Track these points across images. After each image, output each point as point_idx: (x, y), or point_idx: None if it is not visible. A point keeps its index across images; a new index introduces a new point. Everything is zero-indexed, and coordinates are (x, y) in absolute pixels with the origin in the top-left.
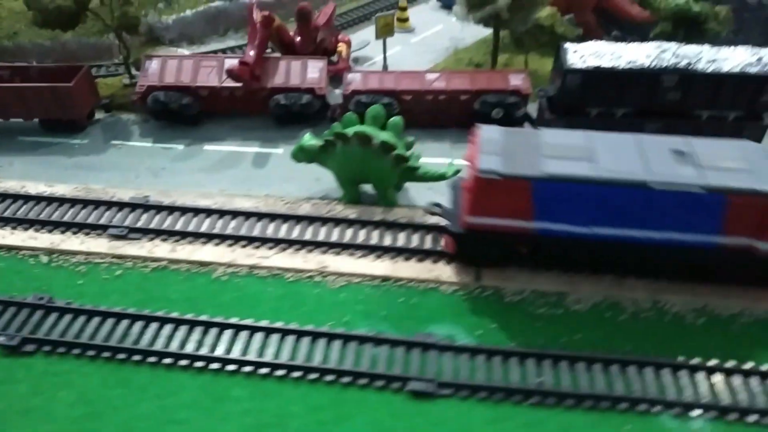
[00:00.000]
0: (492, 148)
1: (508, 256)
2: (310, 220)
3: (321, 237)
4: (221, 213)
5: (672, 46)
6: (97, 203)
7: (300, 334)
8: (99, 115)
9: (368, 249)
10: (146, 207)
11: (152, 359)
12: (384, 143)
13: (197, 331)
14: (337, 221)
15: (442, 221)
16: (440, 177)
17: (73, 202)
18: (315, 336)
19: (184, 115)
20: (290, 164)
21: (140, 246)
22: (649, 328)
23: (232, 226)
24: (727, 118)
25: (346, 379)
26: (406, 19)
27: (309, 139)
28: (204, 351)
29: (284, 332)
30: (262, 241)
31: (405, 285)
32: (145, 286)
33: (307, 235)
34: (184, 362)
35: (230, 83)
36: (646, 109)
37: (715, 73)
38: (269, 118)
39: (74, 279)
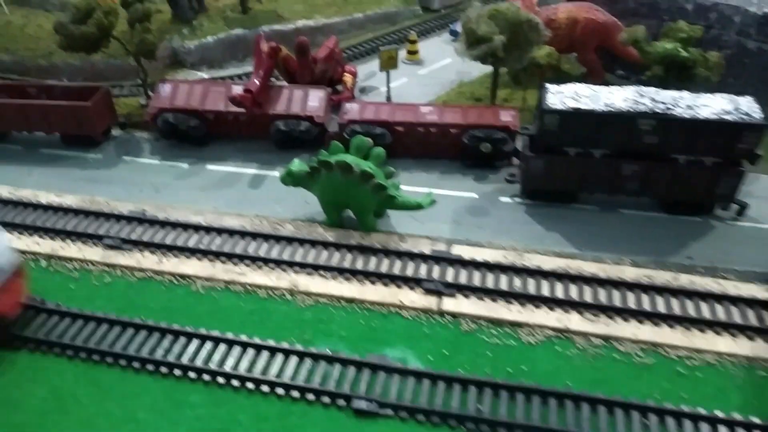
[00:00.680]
0: None
1: None
2: (290, 240)
3: (297, 257)
4: (208, 230)
5: (651, 91)
6: (98, 214)
7: (260, 348)
8: (115, 132)
9: (338, 271)
10: (141, 220)
11: (122, 362)
12: (364, 172)
13: (168, 339)
14: (314, 243)
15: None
16: (417, 206)
17: (77, 212)
18: (273, 350)
19: (191, 136)
20: (284, 187)
21: (131, 256)
22: (597, 364)
23: (216, 243)
24: (705, 162)
25: (295, 394)
26: (415, 52)
27: (297, 164)
28: (171, 358)
29: (246, 345)
30: (241, 258)
31: (369, 308)
32: (129, 294)
33: (285, 255)
34: (150, 367)
35: (235, 108)
36: (625, 150)
37: (692, 119)
38: (271, 142)
39: (67, 283)
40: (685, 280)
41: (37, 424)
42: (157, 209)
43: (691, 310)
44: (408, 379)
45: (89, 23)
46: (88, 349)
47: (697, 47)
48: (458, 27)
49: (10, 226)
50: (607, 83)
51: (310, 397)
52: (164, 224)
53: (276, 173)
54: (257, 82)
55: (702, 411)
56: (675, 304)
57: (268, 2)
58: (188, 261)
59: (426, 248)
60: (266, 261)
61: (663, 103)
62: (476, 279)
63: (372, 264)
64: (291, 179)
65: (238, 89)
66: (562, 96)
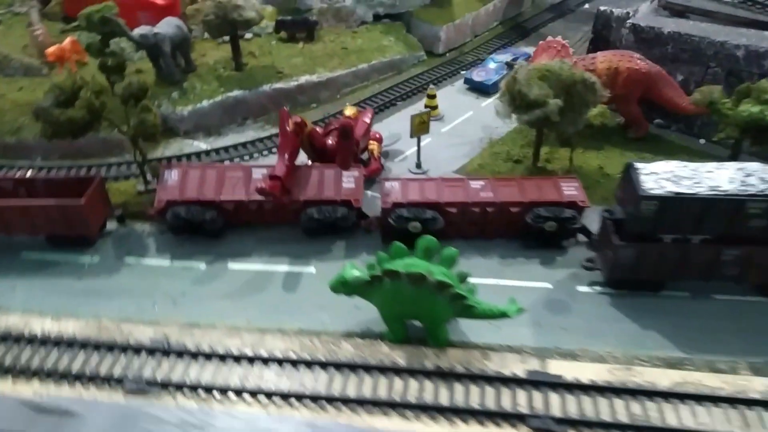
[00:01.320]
0: None
1: None
2: (352, 367)
3: (366, 391)
4: (251, 359)
5: (756, 169)
6: (110, 346)
7: None
8: (110, 224)
9: (421, 409)
10: (166, 351)
11: None
12: (440, 283)
13: None
14: (383, 369)
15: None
16: (501, 315)
17: (83, 344)
18: None
19: (207, 230)
20: (324, 287)
21: (161, 404)
22: None
23: (265, 378)
24: None
25: None
26: (435, 107)
27: (352, 271)
28: None
29: None
30: (299, 398)
31: None
32: None
33: (350, 389)
34: None
35: (259, 196)
36: (727, 235)
37: None
38: (296, 228)
39: None
40: None
41: None
42: (181, 332)
43: None
44: None
45: (77, 105)
46: None
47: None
48: (474, 75)
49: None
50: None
51: None
52: (196, 355)
53: (312, 269)
54: (284, 166)
55: None
56: None
57: (263, 56)
58: (235, 407)
59: (517, 368)
60: (330, 400)
61: None
62: (588, 408)
63: (459, 395)
64: (345, 289)
65: (259, 174)
66: (658, 177)
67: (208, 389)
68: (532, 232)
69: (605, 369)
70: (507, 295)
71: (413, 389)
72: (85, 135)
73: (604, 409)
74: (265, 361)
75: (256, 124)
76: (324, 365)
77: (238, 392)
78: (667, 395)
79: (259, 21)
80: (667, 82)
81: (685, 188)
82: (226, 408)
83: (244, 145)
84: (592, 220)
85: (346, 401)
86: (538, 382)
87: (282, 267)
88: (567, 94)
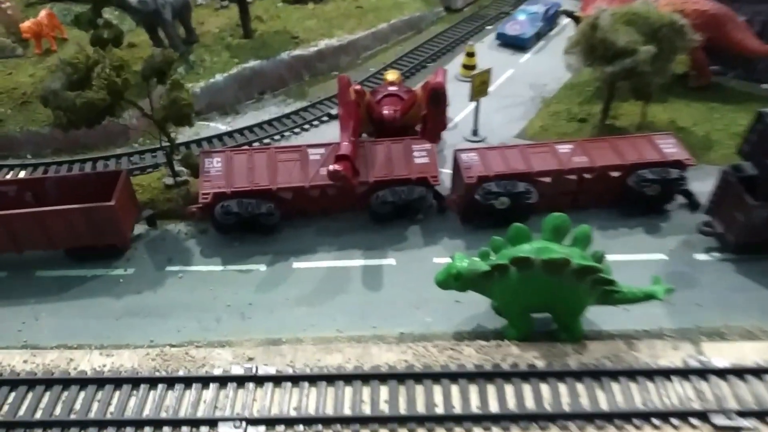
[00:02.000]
0: None
1: None
2: (488, 376)
3: (511, 404)
4: (364, 377)
5: None
6: (187, 380)
7: None
8: (138, 227)
9: (585, 418)
10: (258, 379)
11: None
12: (583, 268)
13: None
14: (524, 375)
15: None
16: (648, 298)
17: (152, 381)
18: None
19: (263, 225)
20: (410, 280)
21: None
22: None
23: (384, 399)
24: None
25: None
26: (473, 66)
27: (463, 262)
28: None
29: None
30: (440, 420)
31: None
32: None
33: (492, 403)
34: None
35: (322, 180)
36: None
37: None
38: (358, 215)
39: None
40: None
41: None
42: (265, 351)
43: None
44: None
45: (95, 85)
46: None
47: None
48: (508, 29)
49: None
50: None
51: None
52: (295, 380)
53: (391, 261)
54: (350, 143)
55: None
56: None
57: (271, 20)
58: None
59: (673, 356)
60: (477, 419)
61: None
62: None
63: (618, 396)
64: (458, 284)
65: (316, 154)
66: None
67: (325, 422)
68: (632, 198)
69: (765, 347)
70: (621, 272)
71: (564, 395)
72: (102, 122)
73: None
74: (382, 378)
75: (276, 98)
76: (453, 376)
77: (363, 421)
78: None
79: None
80: (735, 24)
81: None
82: None
83: (269, 123)
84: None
85: (496, 419)
86: (703, 371)
87: (356, 261)
88: (654, 39)
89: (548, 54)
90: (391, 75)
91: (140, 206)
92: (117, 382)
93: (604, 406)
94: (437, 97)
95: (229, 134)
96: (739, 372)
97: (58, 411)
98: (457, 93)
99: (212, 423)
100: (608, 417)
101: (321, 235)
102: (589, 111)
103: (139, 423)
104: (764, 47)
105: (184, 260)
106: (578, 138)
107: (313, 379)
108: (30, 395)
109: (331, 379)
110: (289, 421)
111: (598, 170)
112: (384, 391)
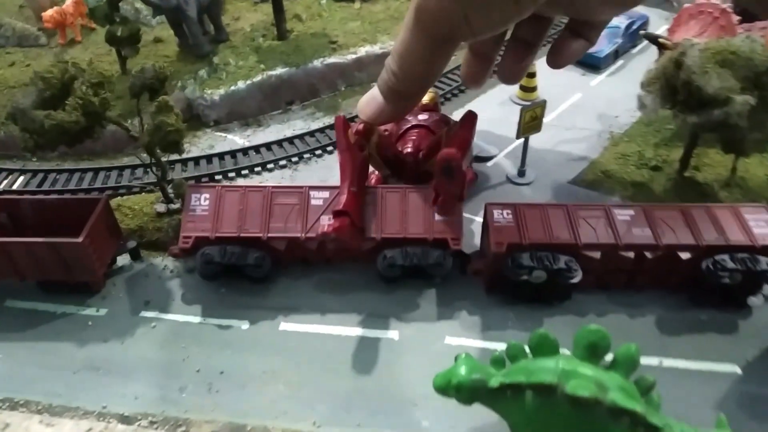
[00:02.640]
0: None
1: None
2: None
3: None
4: None
5: None
6: None
7: None
8: (122, 259)
9: None
10: None
11: None
12: (620, 410)
13: None
14: None
15: None
16: None
17: None
18: None
19: (250, 276)
20: (413, 365)
21: None
22: None
23: None
24: None
25: None
26: (533, 88)
27: (468, 368)
28: None
29: None
30: None
31: None
32: None
33: None
34: None
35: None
36: None
37: None
38: (368, 267)
39: None
40: None
41: None
42: None
43: None
44: None
45: (68, 105)
46: None
47: None
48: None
49: None
50: None
51: None
52: None
53: (395, 335)
54: (350, 196)
55: None
56: None
57: (311, 20)
58: None
59: None
60: None
61: None
62: None
63: None
64: (460, 396)
65: (319, 198)
66: None
67: None
68: (704, 285)
69: None
70: (675, 384)
71: None
72: (82, 143)
73: None
74: None
75: (304, 110)
76: None
77: None
78: None
79: None
80: None
81: None
82: None
83: (291, 140)
84: None
85: None
86: None
87: (352, 329)
88: (757, 86)
89: (626, 77)
90: (426, 97)
91: (123, 236)
92: None
93: None
94: (449, 171)
95: (244, 151)
96: None
97: None
98: (511, 119)
99: None
100: None
101: (319, 289)
102: (666, 156)
103: None
104: None
105: (162, 305)
106: (643, 201)
107: None
108: None
109: None
110: None
111: (663, 249)
112: None
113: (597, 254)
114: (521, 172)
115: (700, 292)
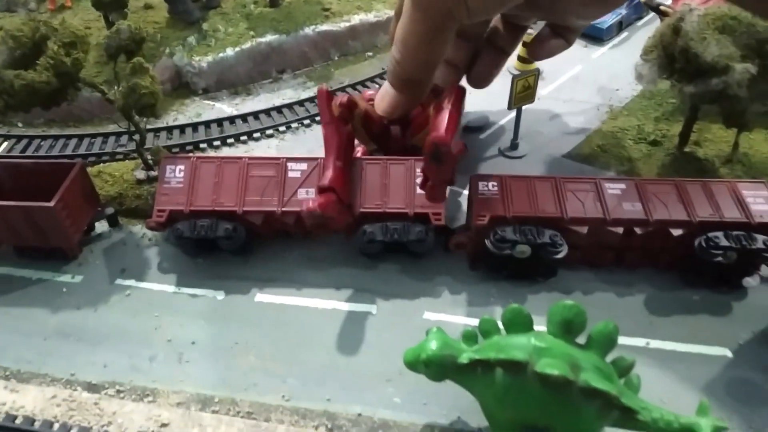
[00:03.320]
0: None
1: None
2: None
3: None
4: None
5: None
6: None
7: None
8: (100, 225)
9: None
10: None
11: None
12: (592, 391)
13: None
14: None
15: None
16: (683, 430)
17: None
18: None
19: (223, 248)
20: (389, 340)
21: None
22: None
23: None
24: None
25: None
26: (531, 60)
27: (438, 342)
28: None
29: None
30: None
31: None
32: None
33: None
34: None
35: (298, 207)
36: None
37: None
38: (347, 240)
39: None
40: None
41: None
42: (184, 421)
43: None
44: None
45: (39, 65)
46: None
47: None
48: None
49: None
50: None
51: None
52: None
53: (371, 308)
54: (335, 171)
55: None
56: None
57: None
58: None
59: None
60: None
61: None
62: None
63: None
64: (429, 372)
65: (295, 169)
66: None
67: None
68: (697, 264)
69: None
70: (661, 367)
71: None
72: (58, 105)
73: None
74: None
75: (295, 80)
76: None
77: None
78: None
79: None
80: None
81: None
82: None
83: (279, 110)
84: None
85: None
86: None
87: (329, 302)
88: (758, 55)
89: (629, 50)
90: None
91: (101, 202)
92: (7, 431)
93: None
94: (438, 155)
95: (231, 120)
96: None
97: None
98: (508, 92)
99: None
100: None
101: (298, 262)
102: (667, 131)
103: None
104: None
105: (138, 273)
106: (635, 174)
107: None
108: None
109: None
110: None
111: (654, 225)
112: None
113: (584, 229)
114: (514, 145)
115: (692, 271)
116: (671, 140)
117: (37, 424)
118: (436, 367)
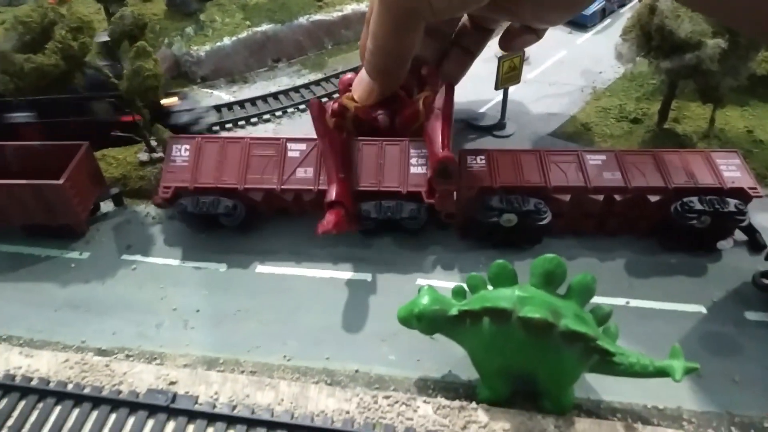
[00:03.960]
0: None
1: None
2: None
3: None
4: (289, 428)
5: None
6: (96, 400)
7: None
8: (106, 206)
9: None
10: (171, 411)
11: None
12: (571, 333)
13: None
14: None
15: None
16: (659, 374)
17: (58, 396)
18: None
19: (224, 224)
20: (383, 304)
21: None
22: None
23: None
24: None
25: None
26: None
27: (429, 298)
28: None
29: None
30: None
31: None
32: None
33: None
34: None
35: (296, 184)
36: None
37: None
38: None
39: None
40: None
41: None
42: (192, 379)
43: None
44: None
45: (48, 49)
46: None
47: None
48: None
49: None
50: None
51: None
52: (212, 418)
53: (366, 276)
54: (340, 183)
55: None
56: None
57: None
58: None
59: None
60: None
61: None
62: None
63: None
64: (421, 325)
65: (294, 149)
66: None
67: None
68: (674, 229)
69: None
70: (640, 323)
71: None
72: (65, 88)
73: None
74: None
75: (291, 67)
76: None
77: None
78: None
79: None
80: None
81: None
82: None
83: (275, 96)
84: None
85: None
86: None
87: (326, 272)
88: (728, 31)
89: (612, 35)
90: None
91: (106, 183)
92: (24, 390)
93: None
94: (446, 173)
95: (229, 106)
96: None
97: None
98: (490, 74)
99: None
100: None
101: (297, 237)
102: (647, 110)
103: None
104: None
105: (143, 249)
106: (616, 147)
107: (232, 421)
108: None
109: (252, 423)
110: None
111: (632, 192)
112: None
113: (567, 197)
114: (501, 125)
115: (669, 236)
116: (651, 118)
117: (51, 385)
118: (428, 321)
